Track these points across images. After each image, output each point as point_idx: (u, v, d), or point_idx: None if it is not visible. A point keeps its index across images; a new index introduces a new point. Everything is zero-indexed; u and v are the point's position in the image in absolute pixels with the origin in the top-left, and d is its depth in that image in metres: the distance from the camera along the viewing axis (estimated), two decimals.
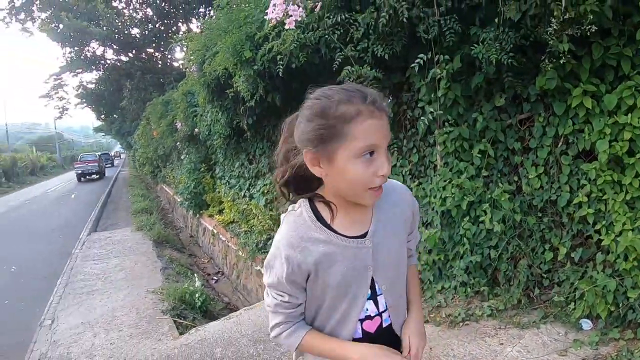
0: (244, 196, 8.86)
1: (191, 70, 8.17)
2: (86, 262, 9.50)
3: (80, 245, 11.03)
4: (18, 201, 23.85)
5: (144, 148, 17.97)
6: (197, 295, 6.82)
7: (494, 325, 3.87)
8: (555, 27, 2.85)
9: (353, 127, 1.21)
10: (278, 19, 4.41)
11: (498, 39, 3.34)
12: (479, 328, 3.87)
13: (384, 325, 1.48)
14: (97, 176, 35.68)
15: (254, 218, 7.92)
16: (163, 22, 20.47)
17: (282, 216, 1.45)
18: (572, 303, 3.68)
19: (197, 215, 11.75)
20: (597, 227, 3.52)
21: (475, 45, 3.50)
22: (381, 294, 1.45)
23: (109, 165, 48.36)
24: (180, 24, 21.44)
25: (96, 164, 35.71)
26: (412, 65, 3.81)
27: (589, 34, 2.90)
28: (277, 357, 4.08)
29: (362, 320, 1.44)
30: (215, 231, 10.11)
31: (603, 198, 3.46)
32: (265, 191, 8.03)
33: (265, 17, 4.85)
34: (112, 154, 69.76)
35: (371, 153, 1.24)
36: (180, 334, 5.26)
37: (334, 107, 1.23)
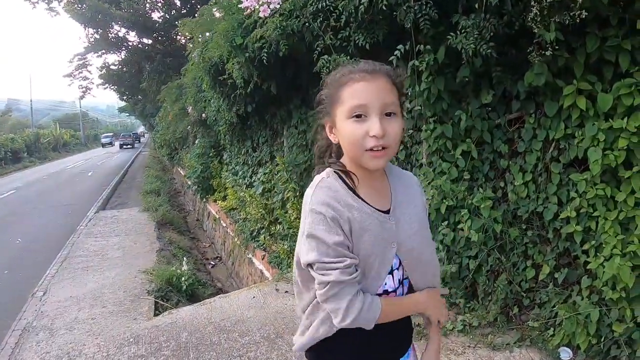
0: (245, 184, 8.54)
1: (193, 56, 7.84)
2: (88, 238, 9.44)
3: (86, 222, 10.91)
4: (36, 176, 24.01)
5: (164, 130, 17.81)
6: (183, 278, 6.71)
7: (463, 342, 3.45)
8: (537, 10, 2.32)
9: (345, 90, 1.29)
10: (252, 7, 4.00)
11: (478, 27, 2.82)
12: (446, 344, 3.45)
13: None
14: (131, 146, 53.82)
15: (249, 206, 7.61)
16: (186, 6, 20.07)
17: (309, 189, 1.38)
18: (552, 328, 3.19)
19: (204, 200, 11.47)
20: (585, 247, 2.99)
21: (452, 34, 2.99)
22: (396, 269, 1.42)
23: (137, 141, 62.15)
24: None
25: (130, 139, 56.93)
26: (391, 58, 3.32)
27: (578, 20, 2.34)
28: (237, 348, 3.87)
29: (379, 295, 1.39)
30: (217, 216, 9.85)
31: (594, 215, 2.92)
32: (265, 180, 7.66)
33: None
34: (139, 132, 76.95)
35: (363, 115, 1.26)
36: (157, 315, 5.18)
37: (335, 76, 1.35)
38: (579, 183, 2.95)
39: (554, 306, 3.21)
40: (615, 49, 2.63)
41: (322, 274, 1.28)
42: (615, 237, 2.75)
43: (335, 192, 1.33)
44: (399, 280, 1.44)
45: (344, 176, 1.36)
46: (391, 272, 1.41)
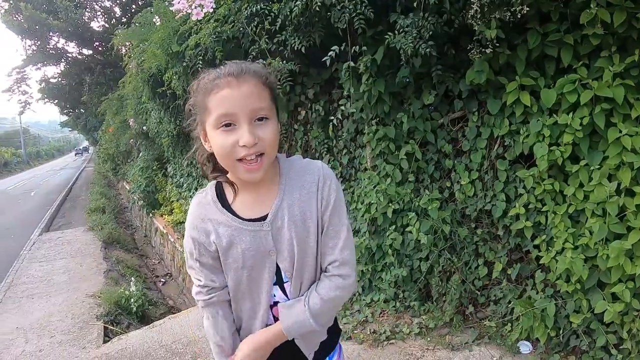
0: (189, 196, 8.13)
1: (130, 66, 7.36)
2: (32, 263, 8.73)
3: (29, 246, 10.10)
4: None
5: (108, 143, 16.94)
6: (132, 300, 6.27)
7: (421, 345, 3.26)
8: (477, 7, 2.15)
9: (211, 99, 1.15)
10: (184, 10, 3.68)
11: (416, 26, 2.62)
12: (404, 348, 3.25)
13: None
14: (81, 154, 71.52)
15: None
16: (126, 15, 19.15)
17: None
18: (509, 324, 3.05)
19: (150, 215, 10.86)
20: (537, 242, 2.87)
21: (390, 34, 2.79)
22: (287, 282, 1.30)
23: (87, 151, 74.27)
24: None
25: (81, 150, 75.86)
26: (324, 58, 3.09)
27: (519, 16, 2.19)
28: None
29: (271, 307, 1.32)
30: (164, 231, 9.33)
31: (543, 210, 2.81)
32: None
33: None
34: (82, 147, 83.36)
35: (233, 124, 1.14)
36: (107, 341, 4.79)
37: (201, 82, 1.20)
38: (526, 179, 2.82)
39: (509, 302, 3.09)
40: (557, 44, 2.51)
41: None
42: (566, 230, 2.64)
43: (203, 208, 1.28)
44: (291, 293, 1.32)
45: (225, 188, 1.30)
46: (281, 284, 1.31)
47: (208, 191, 1.31)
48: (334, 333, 1.44)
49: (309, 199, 1.26)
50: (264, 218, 1.25)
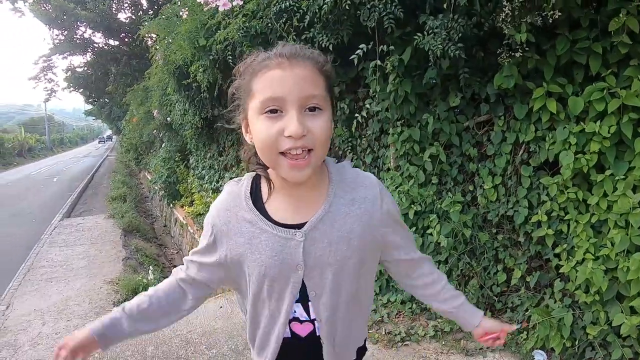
0: (211, 189, 8.24)
1: (156, 58, 7.49)
2: (52, 248, 8.94)
3: (50, 231, 10.35)
4: (0, 182, 22.75)
5: (131, 133, 17.22)
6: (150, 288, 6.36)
7: (435, 348, 3.29)
8: (508, 11, 2.16)
9: (257, 80, 1.01)
10: (212, 3, 3.75)
11: (446, 28, 2.65)
12: (419, 350, 3.28)
13: (318, 334, 1.19)
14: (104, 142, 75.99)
15: None
16: (153, 7, 19.43)
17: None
18: (525, 332, 3.05)
19: (171, 205, 11.04)
20: (557, 250, 2.85)
21: (419, 35, 2.82)
22: (312, 301, 1.15)
23: (110, 140, 76.27)
24: None
25: (105, 139, 79.57)
26: (351, 57, 3.12)
27: (551, 21, 2.20)
28: None
29: (290, 321, 1.17)
30: (184, 222, 9.48)
31: (565, 218, 2.80)
32: None
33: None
34: (105, 136, 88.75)
35: (279, 111, 0.99)
36: None
37: (247, 63, 1.07)
38: (549, 187, 2.81)
39: (526, 310, 3.08)
40: (586, 52, 2.50)
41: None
42: (588, 240, 2.62)
43: (233, 197, 1.15)
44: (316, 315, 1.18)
45: (262, 184, 1.15)
46: (305, 302, 1.16)
47: (244, 182, 1.17)
48: (360, 355, 1.34)
49: (359, 215, 1.12)
50: (298, 226, 1.10)
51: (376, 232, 1.15)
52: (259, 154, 1.06)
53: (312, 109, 1.00)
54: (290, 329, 1.18)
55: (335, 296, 1.14)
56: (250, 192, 1.14)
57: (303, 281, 1.12)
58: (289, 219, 1.10)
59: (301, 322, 1.18)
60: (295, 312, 1.17)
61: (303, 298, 1.15)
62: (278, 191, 1.11)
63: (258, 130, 1.01)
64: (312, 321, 1.18)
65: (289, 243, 1.08)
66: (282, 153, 1.00)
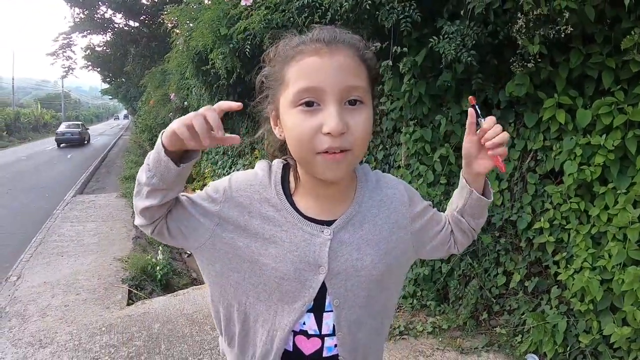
0: (223, 174, 8.39)
1: (177, 43, 7.64)
2: (64, 223, 9.11)
3: (62, 206, 10.52)
4: (14, 157, 23.02)
5: (147, 114, 17.44)
6: (158, 267, 6.50)
7: (432, 344, 3.41)
8: (522, 23, 2.25)
9: (291, 68, 0.88)
10: None
11: (461, 34, 2.74)
12: (415, 345, 3.41)
13: (325, 354, 1.00)
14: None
15: None
16: None
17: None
18: (520, 335, 3.16)
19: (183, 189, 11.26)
20: (557, 258, 2.95)
21: (434, 38, 2.91)
22: (330, 311, 0.97)
23: (126, 119, 70.88)
24: None
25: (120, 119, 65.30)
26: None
27: (564, 35, 2.28)
28: (207, 341, 3.80)
29: (295, 333, 0.98)
30: None
31: (566, 227, 2.89)
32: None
33: None
34: (122, 115, 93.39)
35: (316, 103, 0.85)
36: (130, 304, 5.04)
37: (279, 48, 0.93)
38: (553, 195, 2.91)
39: (523, 313, 3.18)
40: (599, 66, 2.57)
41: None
42: (586, 250, 2.71)
43: (261, 178, 0.99)
44: (333, 328, 0.99)
45: (290, 175, 1.01)
46: (319, 313, 0.98)
47: (275, 167, 1.01)
48: None
49: (388, 216, 1.02)
50: (327, 223, 0.97)
51: (407, 231, 1.05)
52: (291, 151, 0.93)
53: (353, 103, 0.87)
54: (295, 343, 1.00)
55: (362, 309, 1.00)
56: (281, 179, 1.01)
57: (320, 288, 0.96)
58: (316, 215, 0.97)
59: (308, 336, 0.99)
60: (304, 324, 0.98)
61: (315, 308, 0.98)
62: (304, 186, 0.98)
63: (291, 125, 0.88)
64: (322, 337, 1.00)
65: (314, 240, 0.94)
66: (319, 153, 0.86)
